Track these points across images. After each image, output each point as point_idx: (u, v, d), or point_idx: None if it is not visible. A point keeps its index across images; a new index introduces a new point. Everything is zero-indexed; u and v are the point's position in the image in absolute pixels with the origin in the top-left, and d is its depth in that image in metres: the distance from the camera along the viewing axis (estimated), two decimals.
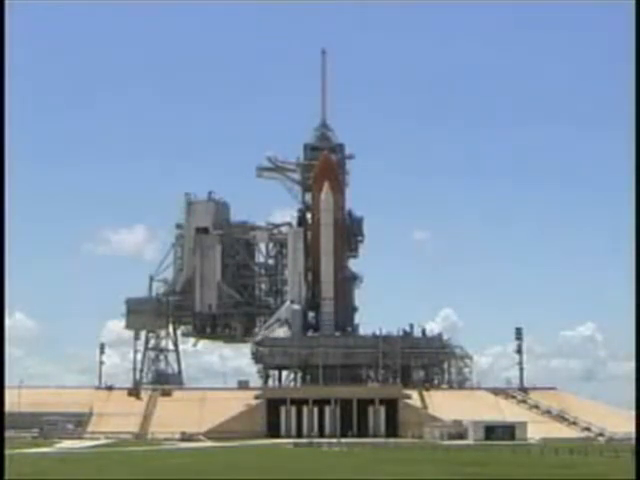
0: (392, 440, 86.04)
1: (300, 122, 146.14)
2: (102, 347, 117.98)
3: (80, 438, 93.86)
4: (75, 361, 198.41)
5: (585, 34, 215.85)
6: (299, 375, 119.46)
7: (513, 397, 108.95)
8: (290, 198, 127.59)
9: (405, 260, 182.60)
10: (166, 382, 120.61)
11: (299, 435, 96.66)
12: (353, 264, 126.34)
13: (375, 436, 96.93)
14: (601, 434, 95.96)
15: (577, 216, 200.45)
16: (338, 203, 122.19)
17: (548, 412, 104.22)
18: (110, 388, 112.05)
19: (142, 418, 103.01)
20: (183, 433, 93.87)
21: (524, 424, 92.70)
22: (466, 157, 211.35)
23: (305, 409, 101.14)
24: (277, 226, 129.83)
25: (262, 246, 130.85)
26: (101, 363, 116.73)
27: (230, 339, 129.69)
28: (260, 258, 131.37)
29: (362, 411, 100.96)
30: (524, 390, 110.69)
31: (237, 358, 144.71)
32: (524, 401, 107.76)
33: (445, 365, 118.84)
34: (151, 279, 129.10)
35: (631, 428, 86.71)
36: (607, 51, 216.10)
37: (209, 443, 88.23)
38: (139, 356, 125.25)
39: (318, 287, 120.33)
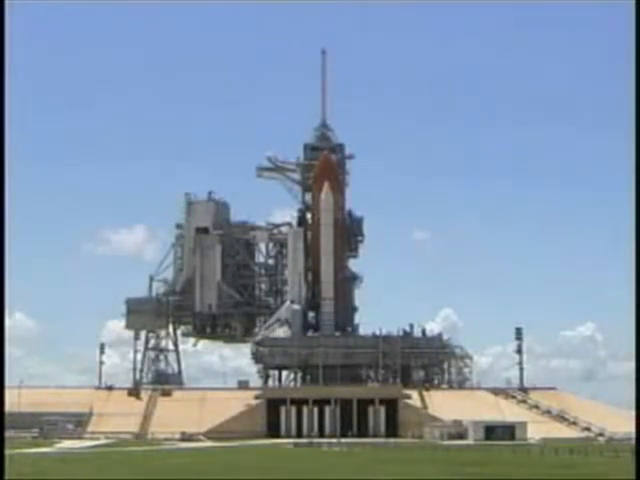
0: (392, 440, 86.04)
1: (300, 122, 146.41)
2: (102, 347, 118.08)
3: (80, 438, 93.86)
4: (75, 361, 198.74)
5: (585, 34, 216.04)
6: (299, 375, 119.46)
7: (513, 397, 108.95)
8: (290, 198, 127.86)
9: (405, 260, 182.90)
10: (166, 382, 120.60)
11: (299, 435, 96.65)
12: (353, 264, 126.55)
13: (375, 436, 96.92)
14: (601, 434, 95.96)
15: (577, 216, 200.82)
16: (338, 203, 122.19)
17: (548, 412, 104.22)
18: (110, 388, 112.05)
19: (142, 418, 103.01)
20: (183, 433, 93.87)
21: (524, 424, 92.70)
22: (466, 157, 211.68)
23: (305, 409, 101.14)
24: (277, 226, 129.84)
25: (262, 246, 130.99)
26: (101, 363, 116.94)
27: (230, 339, 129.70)
28: (260, 258, 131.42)
29: (362, 411, 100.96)
30: (524, 390, 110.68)
31: (237, 358, 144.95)
32: (524, 401, 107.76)
33: (445, 365, 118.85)
34: (151, 279, 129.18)
35: (631, 428, 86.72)
36: (607, 51, 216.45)
37: (209, 443, 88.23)
38: (139, 356, 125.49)
39: (318, 287, 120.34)
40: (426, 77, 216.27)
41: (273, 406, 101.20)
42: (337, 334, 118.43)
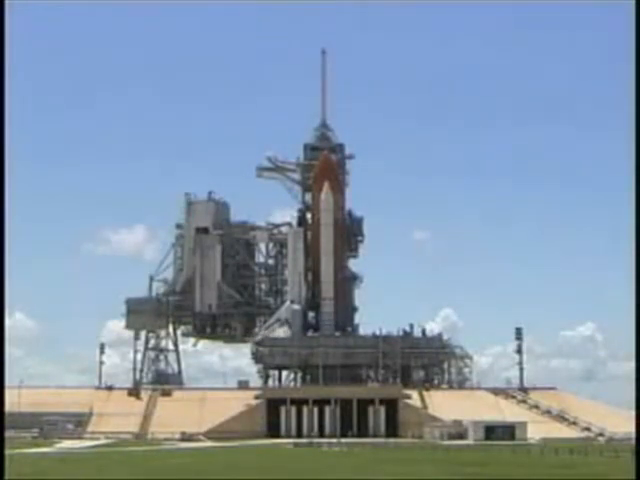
0: (392, 440, 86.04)
1: (300, 122, 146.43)
2: (102, 347, 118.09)
3: (80, 438, 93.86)
4: (75, 361, 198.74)
5: (585, 34, 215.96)
6: (299, 375, 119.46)
7: (513, 397, 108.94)
8: (290, 198, 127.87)
9: (405, 260, 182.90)
10: (166, 382, 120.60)
11: (299, 435, 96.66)
12: (353, 264, 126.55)
13: (375, 436, 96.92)
14: (601, 434, 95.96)
15: (577, 216, 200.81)
16: (338, 203, 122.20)
17: (548, 412, 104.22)
18: (110, 388, 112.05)
19: (142, 418, 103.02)
20: (183, 433, 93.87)
21: (524, 424, 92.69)
22: (466, 157, 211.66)
23: (305, 409, 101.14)
24: (277, 226, 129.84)
25: (262, 246, 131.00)
26: (101, 363, 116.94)
27: (230, 339, 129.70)
28: (260, 258, 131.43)
29: (362, 411, 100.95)
30: (524, 390, 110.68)
31: (237, 358, 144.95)
32: (524, 401, 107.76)
33: (445, 365, 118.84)
34: (151, 279, 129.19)
35: (631, 428, 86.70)
36: (607, 51, 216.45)
37: (209, 443, 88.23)
38: (139, 356, 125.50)
39: (318, 287, 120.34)
40: (426, 77, 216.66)
41: (273, 406, 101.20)
42: (337, 334, 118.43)
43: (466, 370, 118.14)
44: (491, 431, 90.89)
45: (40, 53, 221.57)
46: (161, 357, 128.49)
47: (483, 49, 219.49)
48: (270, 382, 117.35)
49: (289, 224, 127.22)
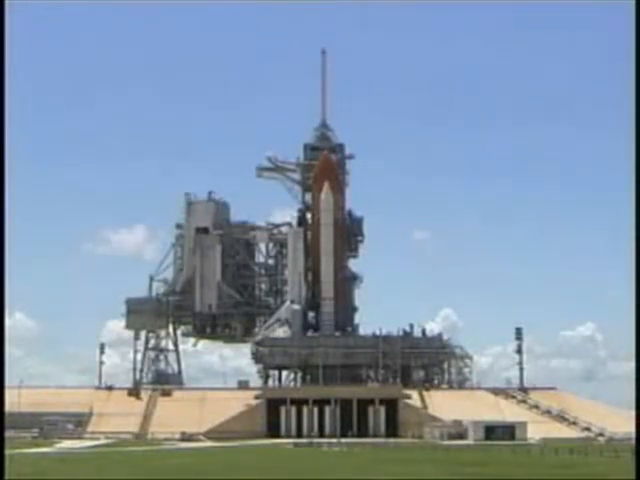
0: (392, 440, 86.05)
1: (300, 122, 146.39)
2: (102, 347, 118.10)
3: (80, 438, 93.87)
4: (75, 361, 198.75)
5: (585, 34, 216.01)
6: (299, 375, 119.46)
7: (513, 397, 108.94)
8: (290, 198, 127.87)
9: (405, 260, 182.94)
10: (166, 382, 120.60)
11: (299, 435, 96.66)
12: (353, 264, 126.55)
13: (375, 436, 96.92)
14: (601, 434, 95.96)
15: (577, 216, 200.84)
16: (338, 203, 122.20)
17: (548, 412, 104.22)
18: (110, 388, 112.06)
19: (142, 418, 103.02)
20: (183, 433, 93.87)
21: (524, 424, 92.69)
22: (466, 157, 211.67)
23: (305, 409, 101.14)
24: (277, 226, 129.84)
25: (262, 246, 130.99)
26: (101, 363, 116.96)
27: (230, 339, 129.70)
28: (260, 258, 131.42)
29: (362, 411, 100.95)
30: (524, 390, 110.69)
31: (237, 358, 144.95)
32: (524, 401, 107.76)
33: (445, 365, 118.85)
34: (151, 279, 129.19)
35: (631, 428, 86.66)
36: (607, 51, 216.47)
37: (209, 443, 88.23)
38: (139, 356, 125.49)
39: (318, 287, 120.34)
40: (426, 77, 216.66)
41: (273, 406, 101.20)
42: (337, 334, 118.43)
43: (466, 370, 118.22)
44: (491, 431, 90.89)
45: (40, 53, 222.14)
46: (161, 357, 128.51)
47: (483, 49, 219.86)
48: (270, 382, 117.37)
49: (289, 224, 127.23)
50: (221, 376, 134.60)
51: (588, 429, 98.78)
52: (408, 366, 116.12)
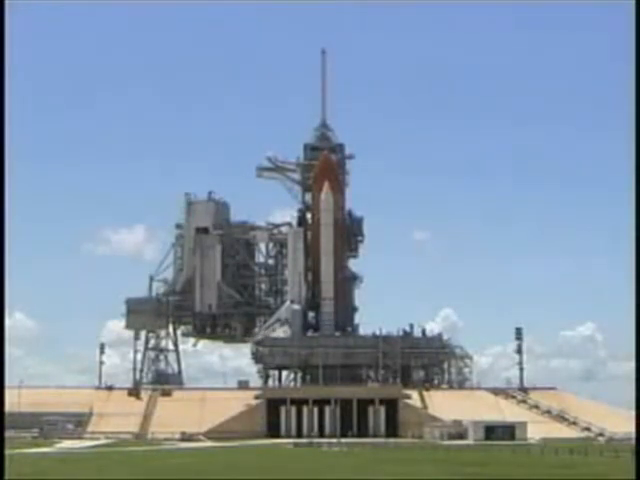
0: (392, 440, 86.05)
1: (300, 122, 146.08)
2: (102, 347, 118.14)
3: (80, 438, 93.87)
4: (75, 361, 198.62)
5: (585, 34, 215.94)
6: (299, 375, 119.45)
7: (513, 397, 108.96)
8: (290, 198, 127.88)
9: (405, 260, 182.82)
10: (166, 382, 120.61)
11: (299, 435, 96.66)
12: (353, 264, 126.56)
13: (375, 436, 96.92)
14: (601, 434, 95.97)
15: (577, 216, 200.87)
16: (338, 203, 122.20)
17: (548, 412, 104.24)
18: (110, 388, 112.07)
19: (142, 418, 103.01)
20: (183, 433, 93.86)
21: (524, 424, 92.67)
22: (466, 157, 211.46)
23: (305, 409, 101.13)
24: (277, 226, 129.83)
25: (262, 246, 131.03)
26: (101, 363, 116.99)
27: (230, 339, 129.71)
28: (260, 258, 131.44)
29: (362, 411, 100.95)
30: (524, 390, 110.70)
31: (237, 358, 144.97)
32: (524, 401, 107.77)
33: (445, 365, 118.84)
34: (151, 279, 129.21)
35: (631, 428, 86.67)
36: (607, 51, 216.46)
37: (209, 443, 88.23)
38: (139, 356, 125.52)
39: (318, 287, 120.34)
40: (426, 77, 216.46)
41: (273, 406, 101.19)
42: (337, 334, 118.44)
43: (466, 370, 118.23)
44: (491, 431, 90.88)
45: (40, 53, 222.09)
46: (161, 357, 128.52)
47: (483, 49, 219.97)
48: (270, 382, 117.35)
49: (289, 224, 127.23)
50: (221, 376, 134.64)
51: (588, 429, 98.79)
52: (408, 366, 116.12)
